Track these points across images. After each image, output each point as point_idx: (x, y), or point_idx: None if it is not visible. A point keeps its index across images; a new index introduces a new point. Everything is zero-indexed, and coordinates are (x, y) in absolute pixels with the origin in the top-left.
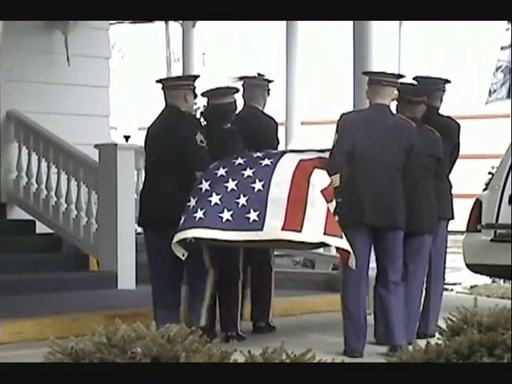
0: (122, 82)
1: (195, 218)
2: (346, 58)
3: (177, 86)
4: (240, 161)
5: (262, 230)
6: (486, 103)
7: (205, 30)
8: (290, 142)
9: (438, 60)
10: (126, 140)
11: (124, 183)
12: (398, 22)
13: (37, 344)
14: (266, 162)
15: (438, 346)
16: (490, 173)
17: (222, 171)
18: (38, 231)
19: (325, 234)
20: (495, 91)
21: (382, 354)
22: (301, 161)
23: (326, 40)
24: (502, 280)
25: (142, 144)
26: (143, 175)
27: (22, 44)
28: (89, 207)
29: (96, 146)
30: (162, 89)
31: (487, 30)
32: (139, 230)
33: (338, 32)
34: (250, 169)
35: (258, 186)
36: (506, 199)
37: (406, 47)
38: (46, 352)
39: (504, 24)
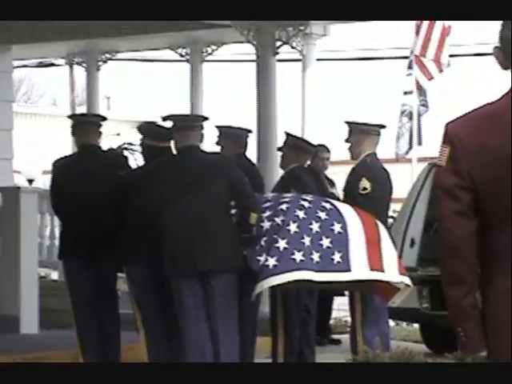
0: (26, 125)
1: (295, 260)
2: (250, 100)
3: (196, 126)
4: (308, 204)
5: (350, 270)
6: (397, 160)
7: (109, 73)
8: None
9: (341, 102)
10: (30, 183)
11: (27, 226)
12: (301, 66)
13: None
14: (327, 205)
15: None
16: (391, 217)
17: (302, 214)
18: None
19: (400, 273)
20: (402, 135)
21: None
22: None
23: (229, 81)
24: (404, 323)
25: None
26: (47, 218)
27: None
28: None
29: None
30: (175, 128)
31: (391, 74)
32: (42, 273)
33: (242, 73)
34: (322, 211)
35: (337, 228)
36: (407, 242)
37: (309, 88)
38: None
39: (405, 70)
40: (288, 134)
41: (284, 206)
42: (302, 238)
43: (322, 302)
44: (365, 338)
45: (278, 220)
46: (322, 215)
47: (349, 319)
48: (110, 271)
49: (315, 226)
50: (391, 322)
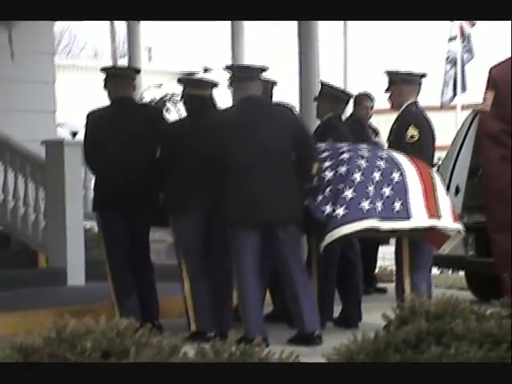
0: (68, 78)
1: (363, 209)
2: (292, 54)
3: (255, 77)
4: (368, 153)
5: (409, 218)
6: (441, 107)
7: (150, 24)
8: None
9: (384, 51)
10: (73, 136)
11: (71, 179)
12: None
13: None
14: (383, 154)
15: (386, 335)
16: (435, 164)
17: (363, 162)
18: None
19: (454, 220)
20: (447, 83)
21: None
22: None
23: (272, 36)
24: (450, 271)
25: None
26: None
27: None
28: (36, 204)
29: (42, 142)
30: (234, 79)
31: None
32: (88, 226)
33: (285, 28)
34: (380, 160)
35: (396, 176)
36: (452, 190)
37: (351, 38)
38: None
39: None
40: (322, 84)
41: (345, 156)
42: (367, 186)
43: (366, 252)
44: (413, 283)
45: (342, 170)
46: (381, 164)
47: (394, 268)
48: (144, 224)
49: (377, 175)
50: (436, 270)
